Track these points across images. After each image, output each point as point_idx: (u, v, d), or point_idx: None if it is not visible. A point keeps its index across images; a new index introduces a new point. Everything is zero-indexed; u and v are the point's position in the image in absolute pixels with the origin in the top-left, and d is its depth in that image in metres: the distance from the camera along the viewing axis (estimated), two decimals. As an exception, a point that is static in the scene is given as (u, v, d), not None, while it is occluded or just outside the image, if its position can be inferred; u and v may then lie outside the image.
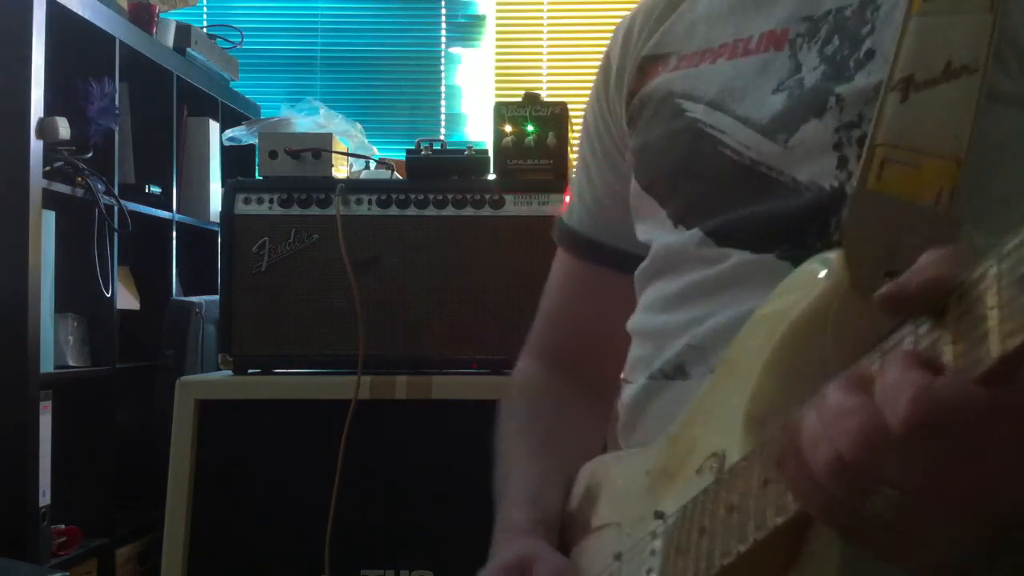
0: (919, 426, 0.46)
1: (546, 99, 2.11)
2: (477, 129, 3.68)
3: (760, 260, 0.72)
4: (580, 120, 1.03)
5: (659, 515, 0.69)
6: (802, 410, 0.52)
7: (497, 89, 3.70)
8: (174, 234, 2.82)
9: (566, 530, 0.85)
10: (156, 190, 2.74)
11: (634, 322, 0.87)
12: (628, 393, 0.85)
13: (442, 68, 3.75)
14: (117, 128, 2.52)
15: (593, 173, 0.97)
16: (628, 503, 0.76)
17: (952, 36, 0.66)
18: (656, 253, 0.83)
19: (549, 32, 3.71)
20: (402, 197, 2.04)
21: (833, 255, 0.61)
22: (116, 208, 2.47)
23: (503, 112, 2.08)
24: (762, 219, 0.73)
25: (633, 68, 0.89)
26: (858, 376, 0.50)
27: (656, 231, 0.83)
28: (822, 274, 0.61)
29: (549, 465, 0.90)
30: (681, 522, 0.66)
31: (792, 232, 0.71)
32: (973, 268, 0.46)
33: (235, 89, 3.37)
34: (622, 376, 0.88)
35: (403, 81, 3.75)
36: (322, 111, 2.43)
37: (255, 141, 2.25)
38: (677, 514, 0.67)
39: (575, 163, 1.05)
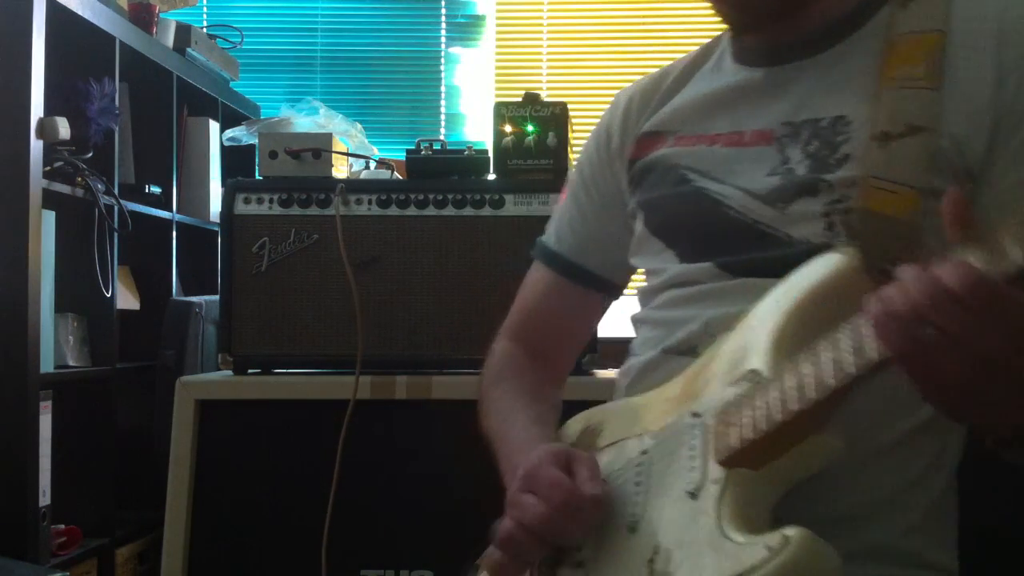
0: (969, 287, 0.69)
1: (546, 99, 2.11)
2: (477, 129, 3.67)
3: (764, 281, 0.95)
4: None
5: (695, 415, 0.91)
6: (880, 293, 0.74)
7: (497, 89, 3.70)
8: (174, 234, 2.82)
9: None
10: (156, 190, 2.74)
11: (645, 315, 1.12)
12: (638, 362, 1.10)
13: (442, 68, 3.75)
14: (117, 128, 2.52)
15: (588, 213, 1.24)
16: (646, 421, 0.99)
17: (911, 104, 0.97)
18: (672, 274, 1.08)
19: (549, 32, 3.71)
20: (402, 197, 2.04)
21: (847, 248, 0.89)
22: (116, 208, 2.47)
23: (503, 112, 2.08)
24: (763, 259, 0.99)
25: (632, 141, 1.17)
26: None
27: (664, 263, 1.10)
28: (840, 257, 0.88)
29: (541, 409, 1.16)
30: (727, 408, 0.87)
31: (789, 268, 0.94)
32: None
33: (235, 89, 3.37)
34: (630, 352, 1.14)
35: (403, 81, 3.75)
36: (322, 111, 2.43)
37: (255, 141, 2.25)
38: (720, 406, 0.88)
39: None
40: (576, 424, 1.12)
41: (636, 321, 1.15)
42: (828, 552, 0.76)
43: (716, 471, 0.85)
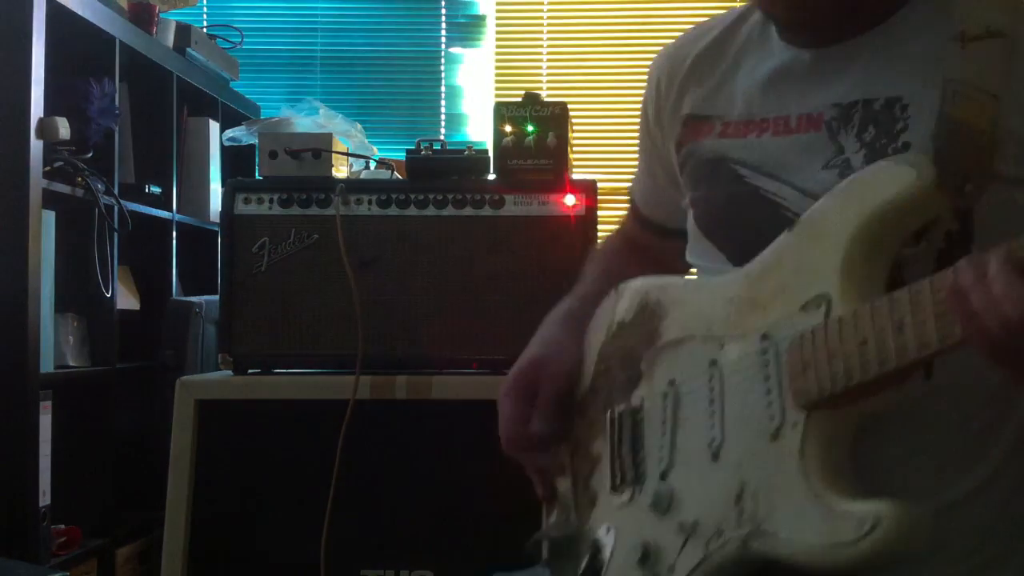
0: None
1: (546, 99, 2.11)
2: (477, 129, 3.67)
3: None
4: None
5: (766, 337, 0.89)
6: (962, 273, 0.73)
7: (497, 89, 3.69)
8: (174, 234, 2.82)
9: (619, 337, 1.07)
10: (156, 190, 2.74)
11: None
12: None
13: (442, 68, 3.75)
14: (117, 128, 2.52)
15: (651, 163, 1.21)
16: (713, 324, 0.96)
17: (991, 10, 0.92)
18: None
19: (549, 32, 3.71)
20: (402, 197, 2.04)
21: (919, 157, 0.85)
22: (116, 208, 2.47)
23: (503, 112, 2.08)
24: None
25: (679, 122, 1.12)
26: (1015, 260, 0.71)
27: (716, 263, 1.06)
28: (912, 172, 0.83)
29: (604, 285, 1.16)
30: (801, 345, 0.85)
31: None
32: None
33: (235, 89, 3.37)
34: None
35: (403, 81, 3.75)
36: (322, 111, 2.43)
37: (255, 141, 2.25)
38: (793, 339, 0.86)
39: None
40: (630, 299, 1.08)
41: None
42: (918, 520, 0.77)
43: (795, 414, 0.84)
